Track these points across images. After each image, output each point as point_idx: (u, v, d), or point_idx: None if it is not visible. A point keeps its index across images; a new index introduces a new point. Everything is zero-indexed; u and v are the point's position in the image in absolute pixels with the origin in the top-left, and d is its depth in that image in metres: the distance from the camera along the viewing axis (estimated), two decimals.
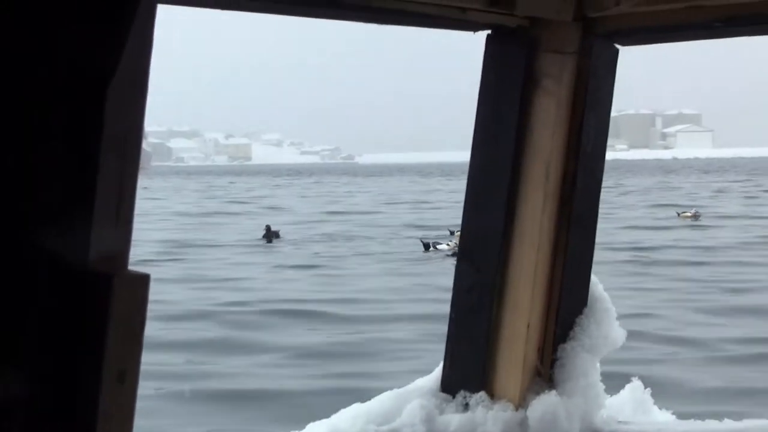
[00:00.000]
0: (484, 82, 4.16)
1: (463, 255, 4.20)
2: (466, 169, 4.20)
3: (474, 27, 4.09)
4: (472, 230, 4.19)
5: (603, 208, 4.41)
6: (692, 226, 47.89)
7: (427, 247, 38.84)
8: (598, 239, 4.24)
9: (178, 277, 31.32)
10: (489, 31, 4.13)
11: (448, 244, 37.87)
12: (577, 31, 4.08)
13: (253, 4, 3.63)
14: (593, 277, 4.21)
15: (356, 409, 4.13)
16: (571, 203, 4.10)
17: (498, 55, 4.12)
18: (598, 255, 4.42)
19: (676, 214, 52.93)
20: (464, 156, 4.27)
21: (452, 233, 39.24)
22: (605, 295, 4.21)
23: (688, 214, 52.21)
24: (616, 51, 4.19)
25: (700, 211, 53.50)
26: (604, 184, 4.27)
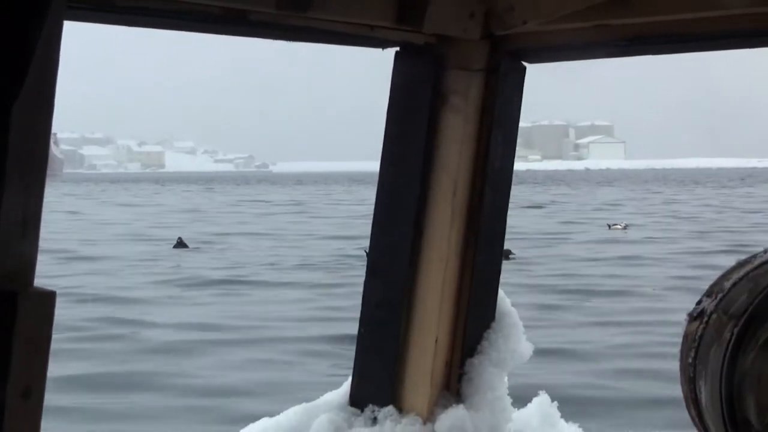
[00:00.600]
0: (392, 99, 4.20)
1: (372, 270, 4.23)
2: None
3: (382, 44, 4.13)
4: (381, 246, 4.22)
5: None
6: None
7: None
8: None
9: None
10: (397, 48, 4.17)
11: None
12: (484, 49, 4.13)
13: (162, 21, 3.61)
14: (501, 292, 4.26)
15: (264, 423, 4.14)
16: (479, 219, 4.15)
17: (406, 72, 4.16)
18: None
19: (607, 226, 53.62)
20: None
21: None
22: (513, 309, 4.26)
23: (619, 227, 52.97)
24: (524, 69, 4.25)
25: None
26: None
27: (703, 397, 3.22)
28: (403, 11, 3.91)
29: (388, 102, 4.21)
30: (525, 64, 4.25)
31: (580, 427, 4.37)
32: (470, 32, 4.06)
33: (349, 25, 3.94)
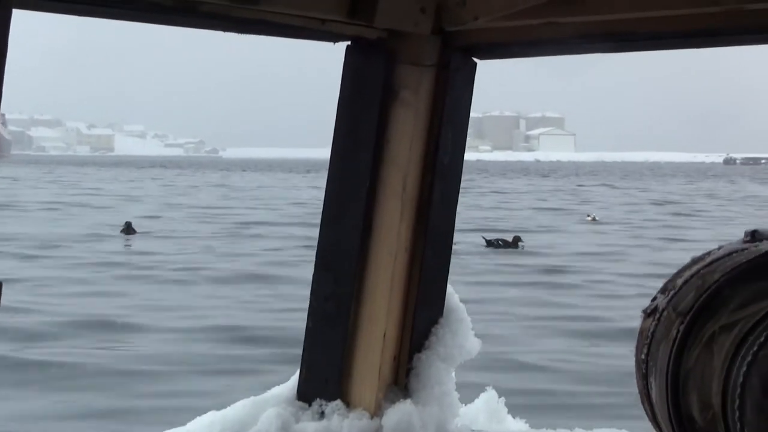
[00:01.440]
0: (343, 93, 4.19)
1: (321, 264, 4.23)
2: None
3: (334, 38, 4.12)
4: (330, 240, 4.22)
5: None
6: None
7: None
8: None
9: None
10: (348, 42, 4.17)
11: None
12: (435, 44, 4.13)
13: (114, 12, 3.59)
14: (449, 288, 4.27)
15: (212, 416, 4.13)
16: (428, 214, 4.16)
17: (357, 66, 4.16)
18: None
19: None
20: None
21: None
22: (461, 305, 4.27)
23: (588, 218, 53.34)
24: (474, 65, 4.26)
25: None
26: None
27: (654, 394, 3.26)
28: (355, 5, 3.90)
29: (339, 96, 4.21)
30: (476, 60, 4.26)
31: (527, 422, 4.39)
32: (421, 27, 4.06)
33: (300, 18, 3.93)
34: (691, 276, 3.19)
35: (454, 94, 4.19)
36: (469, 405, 4.31)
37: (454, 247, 4.26)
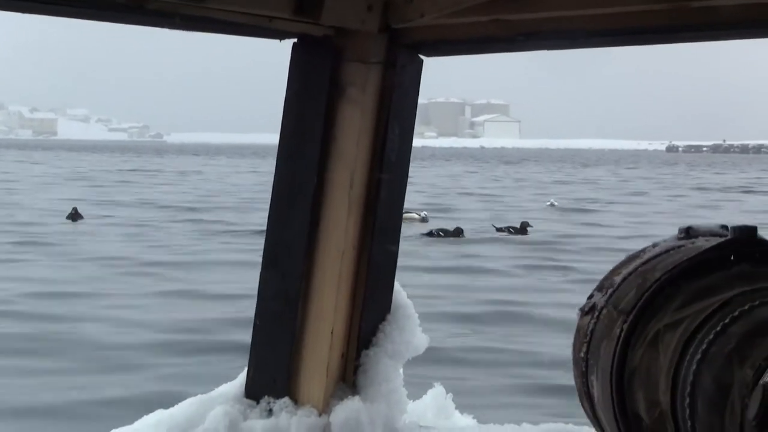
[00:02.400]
0: (290, 90, 4.18)
1: (268, 262, 4.22)
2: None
3: (280, 35, 4.11)
4: (278, 237, 4.21)
5: None
6: None
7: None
8: None
9: None
10: (295, 40, 4.16)
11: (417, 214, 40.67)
12: (382, 42, 4.13)
13: (62, 9, 3.56)
14: (397, 284, 4.28)
15: (159, 414, 4.11)
16: (376, 211, 4.16)
17: (304, 64, 4.15)
18: None
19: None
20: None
21: None
22: (408, 301, 4.28)
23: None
24: (421, 62, 4.26)
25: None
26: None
27: (596, 392, 3.28)
28: (302, 3, 3.90)
29: (286, 93, 4.20)
30: (422, 57, 4.27)
31: (474, 418, 4.41)
32: (368, 25, 4.06)
33: (247, 16, 3.91)
34: (630, 273, 3.21)
35: (401, 91, 4.19)
36: (416, 401, 4.33)
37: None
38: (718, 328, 2.84)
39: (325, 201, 4.15)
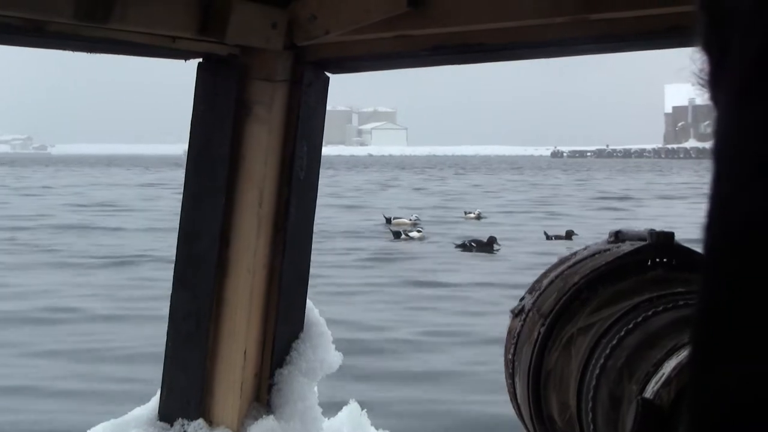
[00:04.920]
0: (196, 110, 4.16)
1: (179, 282, 4.19)
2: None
3: (185, 56, 4.09)
4: (187, 258, 4.18)
5: None
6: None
7: (397, 235, 39.62)
8: None
9: None
10: (200, 60, 4.14)
11: (419, 231, 39.53)
12: (288, 60, 4.14)
13: None
14: (309, 302, 4.28)
15: None
16: (286, 229, 4.16)
17: (209, 84, 4.14)
18: None
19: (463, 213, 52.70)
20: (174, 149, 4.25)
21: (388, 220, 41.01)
22: (321, 319, 4.29)
23: (472, 215, 52.12)
24: (327, 79, 4.28)
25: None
26: None
27: (518, 393, 3.33)
28: (206, 22, 3.88)
29: (192, 113, 4.18)
30: (328, 74, 4.28)
31: None
32: (273, 43, 4.06)
33: (150, 37, 3.88)
34: (556, 276, 3.27)
35: (308, 108, 4.20)
36: (331, 419, 4.33)
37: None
38: (614, 342, 2.91)
39: (234, 221, 4.14)
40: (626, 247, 3.17)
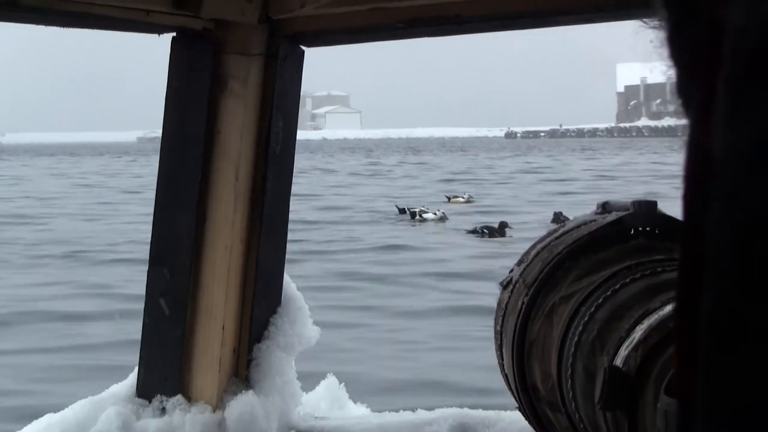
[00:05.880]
0: (170, 85, 4.14)
1: (156, 259, 4.17)
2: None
3: (158, 29, 4.06)
4: (164, 234, 4.16)
5: None
6: None
7: (413, 215, 38.65)
8: None
9: None
10: (174, 34, 4.11)
11: (434, 213, 38.20)
12: (263, 33, 4.12)
13: None
14: (286, 276, 4.27)
15: (49, 419, 4.03)
16: (262, 204, 4.15)
17: (184, 58, 4.11)
18: None
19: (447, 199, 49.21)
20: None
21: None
22: (298, 293, 4.28)
23: (461, 199, 48.47)
24: (302, 52, 4.26)
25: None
26: None
27: (505, 365, 3.34)
28: None
29: (167, 88, 4.15)
30: (303, 47, 4.26)
31: (367, 407, 4.44)
32: (248, 16, 4.04)
33: (124, 11, 3.86)
34: (543, 248, 3.29)
35: (283, 83, 4.18)
36: (310, 393, 4.33)
37: None
38: (586, 318, 2.94)
39: (210, 196, 4.12)
40: (611, 217, 3.19)
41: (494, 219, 35.64)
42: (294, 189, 4.32)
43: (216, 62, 4.09)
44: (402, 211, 41.51)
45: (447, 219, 37.94)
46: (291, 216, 4.32)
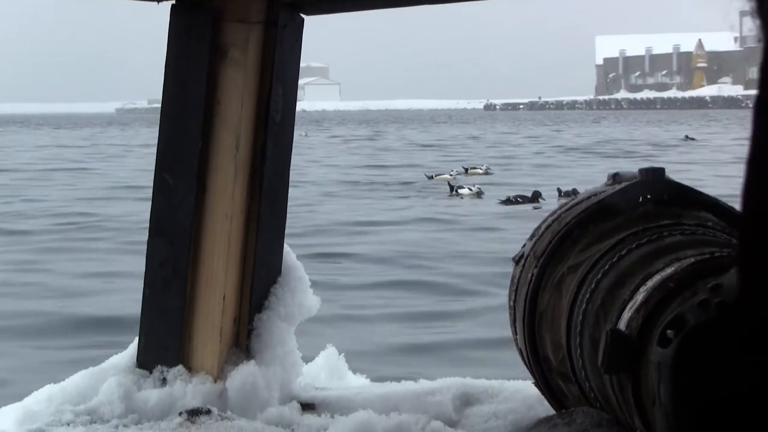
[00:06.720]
0: (170, 54, 4.10)
1: (155, 229, 4.14)
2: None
3: None
4: (164, 203, 4.13)
5: None
6: None
7: (452, 189, 37.20)
8: None
9: None
10: (173, 2, 4.07)
11: (470, 189, 36.90)
12: (262, 1, 4.09)
13: None
14: (286, 246, 4.25)
15: (49, 389, 4.01)
16: (262, 173, 4.12)
17: (183, 27, 4.08)
18: None
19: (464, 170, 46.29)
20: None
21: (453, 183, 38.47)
22: (298, 263, 4.26)
23: (479, 171, 46.20)
24: (302, 20, 4.23)
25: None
26: None
27: (518, 339, 3.33)
28: None
29: (166, 57, 4.12)
30: (303, 15, 4.23)
31: (367, 377, 4.43)
32: None
33: None
34: (553, 221, 3.27)
35: (283, 51, 4.15)
36: (309, 363, 4.32)
37: None
38: (593, 286, 2.93)
39: (210, 165, 4.09)
40: (619, 187, 3.18)
41: (520, 190, 35.07)
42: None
43: (215, 30, 4.06)
44: (430, 177, 40.99)
45: (483, 194, 36.25)
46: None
